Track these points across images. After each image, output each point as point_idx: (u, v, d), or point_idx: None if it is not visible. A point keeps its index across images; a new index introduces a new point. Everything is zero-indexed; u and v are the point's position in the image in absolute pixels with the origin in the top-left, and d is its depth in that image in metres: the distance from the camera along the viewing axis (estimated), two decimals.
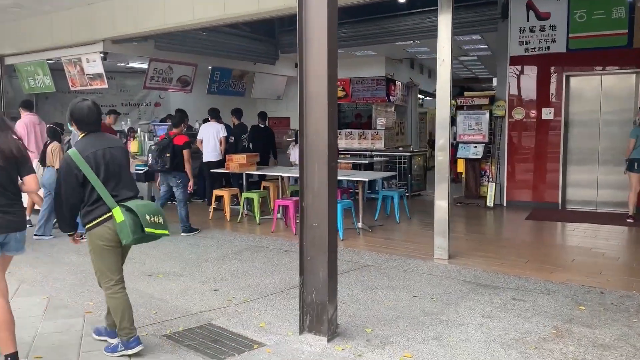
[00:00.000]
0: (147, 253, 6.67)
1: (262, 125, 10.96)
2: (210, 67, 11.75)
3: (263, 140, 10.50)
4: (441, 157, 6.04)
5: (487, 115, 9.35)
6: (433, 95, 20.98)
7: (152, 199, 10.49)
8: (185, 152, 7.65)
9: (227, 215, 8.54)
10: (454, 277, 5.47)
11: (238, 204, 9.25)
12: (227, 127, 10.13)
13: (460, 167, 10.02)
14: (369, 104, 15.20)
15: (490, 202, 9.30)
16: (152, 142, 10.64)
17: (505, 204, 9.43)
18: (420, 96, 18.44)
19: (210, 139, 9.51)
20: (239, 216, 8.51)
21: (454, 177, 13.52)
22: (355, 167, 10.86)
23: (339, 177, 7.37)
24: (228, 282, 5.43)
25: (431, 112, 18.74)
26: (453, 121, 17.15)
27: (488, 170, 9.61)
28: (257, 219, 8.18)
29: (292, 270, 5.77)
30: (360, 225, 7.42)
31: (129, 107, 13.89)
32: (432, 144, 15.00)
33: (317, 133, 3.92)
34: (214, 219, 8.69)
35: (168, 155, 7.42)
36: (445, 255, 6.03)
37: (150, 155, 7.56)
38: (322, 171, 3.90)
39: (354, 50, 12.89)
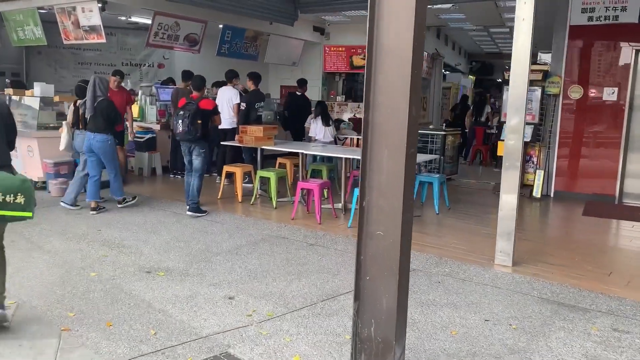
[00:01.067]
0: (146, 240, 5.58)
1: (298, 93, 9.88)
2: (221, 26, 10.49)
3: (300, 110, 9.60)
4: (512, 140, 4.94)
5: (539, 92, 8.17)
6: (456, 70, 19.73)
7: (153, 170, 9.39)
8: (217, 118, 6.94)
9: (239, 195, 7.43)
10: (526, 292, 4.39)
11: (250, 182, 8.15)
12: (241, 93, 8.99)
13: (501, 150, 8.85)
14: None
15: (537, 192, 8.20)
16: (154, 107, 9.48)
17: (552, 195, 8.32)
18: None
19: (225, 105, 8.39)
20: (252, 197, 7.40)
21: (483, 161, 12.40)
22: None
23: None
24: (245, 286, 4.36)
25: (455, 87, 17.52)
26: (481, 104, 15.97)
27: (534, 156, 8.47)
28: (274, 202, 7.07)
29: (322, 273, 4.69)
30: None
31: (129, 67, 12.66)
32: (449, 122, 13.83)
33: (390, 105, 2.78)
34: (223, 199, 7.59)
35: (199, 122, 6.47)
36: (510, 261, 4.96)
37: (180, 122, 6.50)
38: (395, 160, 2.77)
39: None
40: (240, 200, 7.41)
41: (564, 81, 8.13)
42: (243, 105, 8.21)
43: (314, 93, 13.50)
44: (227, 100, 8.47)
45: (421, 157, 6.43)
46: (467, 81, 20.98)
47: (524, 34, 4.77)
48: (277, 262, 4.97)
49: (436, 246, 5.57)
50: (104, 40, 8.50)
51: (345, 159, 6.97)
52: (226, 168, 7.53)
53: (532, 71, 8.12)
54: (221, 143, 7.90)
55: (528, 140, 8.24)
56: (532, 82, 8.24)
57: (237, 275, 4.62)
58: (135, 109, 9.55)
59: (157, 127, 9.38)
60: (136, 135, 9.06)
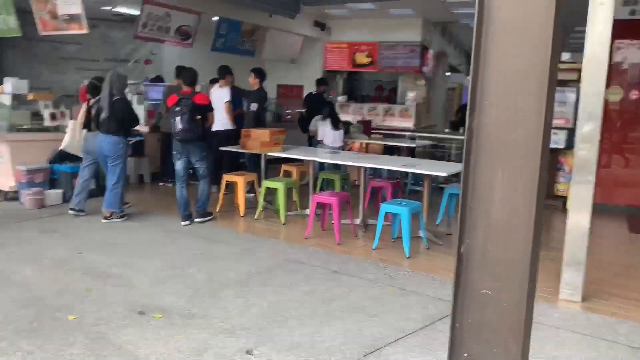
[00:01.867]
0: (137, 266, 4.65)
1: (314, 93, 9.36)
2: (216, 18, 9.55)
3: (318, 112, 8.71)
4: (585, 150, 4.13)
5: (575, 93, 7.38)
6: (455, 70, 18.97)
7: (141, 178, 8.42)
8: (211, 116, 6.12)
9: (241, 208, 6.51)
10: (610, 338, 3.56)
11: (252, 191, 7.24)
12: (237, 91, 8.08)
13: None
14: (394, 75, 13.14)
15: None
16: (141, 106, 8.52)
17: None
18: None
19: (220, 106, 7.49)
20: (256, 211, 6.48)
21: None
22: (390, 151, 8.90)
23: (395, 167, 5.41)
24: (265, 333, 3.47)
25: (460, 87, 16.77)
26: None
27: (565, 164, 7.68)
28: (282, 217, 6.17)
29: (356, 313, 3.81)
30: (427, 234, 5.45)
31: (114, 63, 11.64)
32: (453, 124, 13.07)
33: (510, 106, 1.90)
34: (223, 212, 6.66)
35: (199, 118, 5.74)
36: (579, 296, 4.14)
37: (178, 119, 5.68)
38: (516, 187, 1.89)
39: (389, 8, 10.75)
40: (242, 214, 6.50)
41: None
42: (254, 107, 7.27)
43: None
44: (221, 100, 7.58)
45: (454, 168, 5.57)
46: (468, 82, 20.22)
47: (601, 22, 3.94)
48: (299, 297, 4.08)
49: None
50: (85, 31, 7.51)
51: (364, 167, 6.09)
52: (226, 177, 6.61)
53: (565, 70, 7.35)
54: (220, 148, 6.97)
55: (562, 146, 7.45)
56: (565, 83, 7.47)
57: (253, 316, 3.72)
58: None
59: (145, 129, 8.42)
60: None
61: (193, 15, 8.99)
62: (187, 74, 6.09)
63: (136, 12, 8.49)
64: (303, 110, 9.57)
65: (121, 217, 6.12)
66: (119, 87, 5.97)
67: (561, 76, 7.40)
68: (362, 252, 5.25)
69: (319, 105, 8.82)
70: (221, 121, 7.46)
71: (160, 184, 8.29)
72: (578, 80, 7.35)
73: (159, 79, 9.61)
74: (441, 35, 14.16)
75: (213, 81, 8.68)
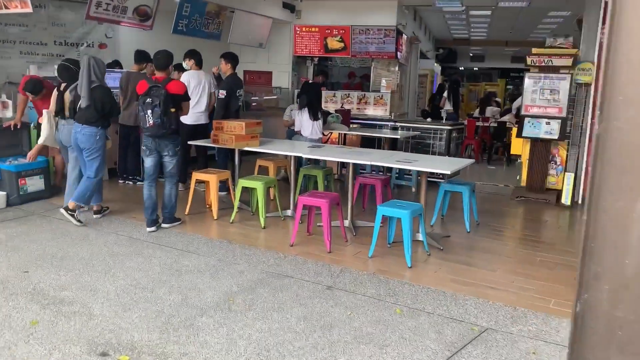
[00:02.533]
0: (96, 287, 3.92)
1: (311, 82, 8.49)
2: None
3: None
4: None
5: (568, 81, 6.93)
6: (426, 57, 18.53)
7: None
8: (186, 106, 5.40)
9: (214, 210, 5.80)
10: None
11: (224, 189, 6.55)
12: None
13: (517, 148, 7.61)
14: (366, 61, 12.53)
15: (566, 199, 6.99)
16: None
17: (580, 201, 7.14)
18: None
19: (199, 94, 6.75)
20: (232, 213, 5.78)
21: (475, 157, 11.24)
22: (370, 143, 8.32)
23: (393, 164, 4.83)
24: None
25: (432, 74, 16.33)
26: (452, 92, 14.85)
27: (558, 155, 7.26)
28: (262, 221, 5.50)
29: (363, 343, 3.20)
30: (426, 238, 4.89)
31: (64, 47, 10.60)
32: (425, 113, 12.63)
33: None
34: (193, 214, 5.95)
35: (174, 110, 5.02)
36: None
37: (149, 112, 4.95)
38: None
39: None
40: (215, 217, 5.80)
41: (597, 68, 6.93)
42: (222, 93, 6.52)
43: (282, 80, 11.91)
44: (203, 88, 6.80)
45: (457, 164, 5.00)
46: (437, 69, 19.85)
47: None
48: (293, 324, 3.45)
49: (496, 286, 4.19)
50: (29, 10, 6.59)
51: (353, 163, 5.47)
52: (197, 175, 5.87)
53: (560, 55, 6.91)
54: (188, 143, 6.23)
55: (555, 137, 7.02)
56: (558, 69, 7.02)
57: (241, 354, 3.07)
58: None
59: None
60: None
61: None
62: (159, 57, 5.33)
63: None
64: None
65: (97, 213, 5.72)
66: (98, 73, 5.41)
67: (557, 62, 6.95)
68: (357, 261, 4.65)
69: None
70: (200, 113, 6.73)
71: (120, 181, 7.46)
72: (573, 67, 6.94)
73: (116, 65, 8.71)
74: (413, 20, 13.64)
75: (178, 67, 7.88)
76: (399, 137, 7.47)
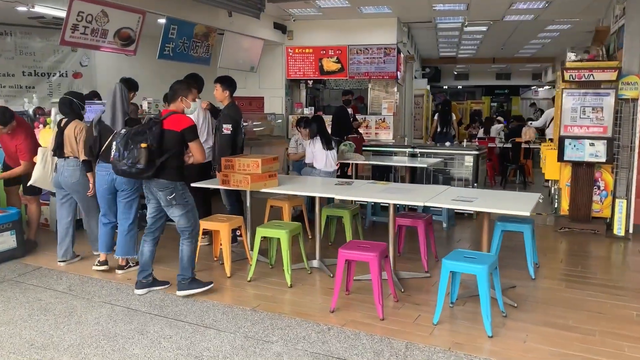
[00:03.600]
0: None
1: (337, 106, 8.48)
2: (162, 21, 7.81)
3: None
4: None
5: (613, 97, 6.21)
6: (414, 77, 17.91)
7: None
8: (196, 148, 4.30)
9: (227, 267, 4.82)
10: None
11: (234, 239, 5.58)
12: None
13: (553, 172, 6.83)
14: (363, 82, 11.76)
15: (619, 230, 6.20)
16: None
17: (631, 230, 6.36)
18: None
19: (206, 128, 5.86)
20: (249, 270, 4.80)
21: (490, 180, 10.48)
22: (381, 171, 7.47)
23: (447, 205, 3.97)
24: None
25: (427, 94, 15.68)
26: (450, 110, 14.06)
27: (600, 179, 6.50)
28: (288, 278, 4.54)
29: None
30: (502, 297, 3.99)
31: (33, 78, 9.57)
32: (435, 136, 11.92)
33: None
34: (200, 271, 4.94)
35: (144, 146, 4.00)
36: None
37: (121, 145, 4.07)
38: None
39: (361, 5, 9.35)
40: (229, 275, 4.81)
41: None
42: (227, 129, 5.53)
43: (275, 105, 11.02)
44: (208, 121, 5.90)
45: (530, 201, 4.12)
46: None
47: None
48: None
49: (607, 358, 3.29)
50: None
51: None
52: (206, 224, 4.89)
53: (602, 69, 6.19)
54: (191, 185, 5.26)
55: (603, 160, 6.26)
56: (600, 84, 6.30)
57: None
58: (46, 134, 6.65)
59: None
60: None
61: (136, 15, 7.22)
62: (171, 87, 4.41)
63: (60, 14, 6.66)
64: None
65: (136, 263, 4.84)
66: (126, 103, 4.89)
67: (599, 76, 6.22)
68: (421, 331, 3.70)
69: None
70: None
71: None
72: (615, 81, 6.22)
73: (94, 96, 7.72)
74: (407, 38, 12.97)
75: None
76: (426, 165, 6.60)
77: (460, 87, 24.65)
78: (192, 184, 5.12)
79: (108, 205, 4.95)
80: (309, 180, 5.55)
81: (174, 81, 4.54)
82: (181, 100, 4.29)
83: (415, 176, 7.27)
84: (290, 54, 10.80)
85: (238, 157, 4.91)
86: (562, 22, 11.89)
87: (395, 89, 11.27)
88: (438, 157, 7.14)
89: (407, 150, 7.44)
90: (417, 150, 7.36)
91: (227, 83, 5.80)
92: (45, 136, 6.49)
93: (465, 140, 10.78)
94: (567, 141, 6.39)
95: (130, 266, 4.98)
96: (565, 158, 6.35)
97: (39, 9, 7.07)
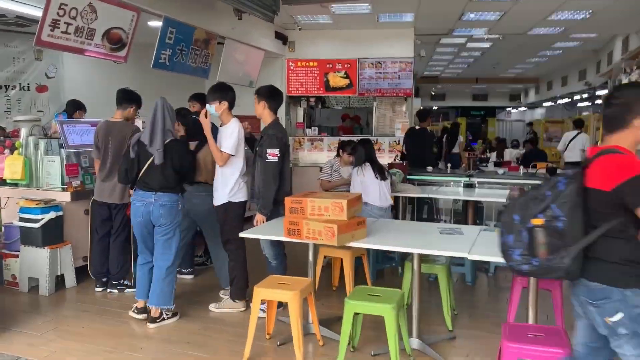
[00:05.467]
0: None
1: (417, 127, 7.81)
2: (157, 23, 6.39)
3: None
4: None
5: None
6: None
7: (61, 281, 4.96)
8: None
9: (299, 350, 3.40)
10: None
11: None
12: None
13: None
14: (367, 100, 10.59)
15: None
16: (51, 158, 5.13)
17: None
18: None
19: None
20: (339, 356, 3.40)
21: None
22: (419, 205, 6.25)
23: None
24: None
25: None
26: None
27: None
28: None
29: None
30: None
31: None
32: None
33: None
34: (257, 354, 3.50)
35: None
36: None
37: None
38: None
39: (380, 13, 8.21)
40: (268, 337, 3.40)
41: None
42: (273, 154, 4.15)
43: None
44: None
45: None
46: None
47: None
48: None
49: None
50: None
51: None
52: (268, 293, 3.45)
53: None
54: (240, 235, 3.82)
55: None
56: None
57: None
58: (16, 163, 5.06)
59: (64, 197, 4.94)
60: (21, 214, 4.66)
61: (129, 12, 5.79)
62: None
63: (29, 10, 5.22)
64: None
65: (174, 315, 4.16)
66: (171, 121, 4.11)
67: None
68: None
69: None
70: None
71: (98, 288, 4.85)
72: None
73: (75, 110, 6.19)
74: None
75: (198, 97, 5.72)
76: (502, 200, 5.39)
77: (436, 107, 23.95)
78: (244, 234, 3.70)
79: (145, 242, 4.14)
80: (393, 225, 4.18)
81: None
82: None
83: (480, 212, 6.08)
84: (292, 67, 9.52)
85: (307, 195, 3.54)
86: (575, 40, 11.18)
87: (404, 108, 10.15)
88: (501, 188, 5.97)
89: (462, 179, 6.22)
90: (475, 180, 6.16)
91: (269, 95, 4.43)
92: (14, 165, 4.91)
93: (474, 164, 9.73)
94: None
95: (164, 318, 4.08)
96: None
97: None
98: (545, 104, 20.91)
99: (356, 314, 3.29)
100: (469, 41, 11.93)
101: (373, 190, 5.04)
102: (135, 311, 4.20)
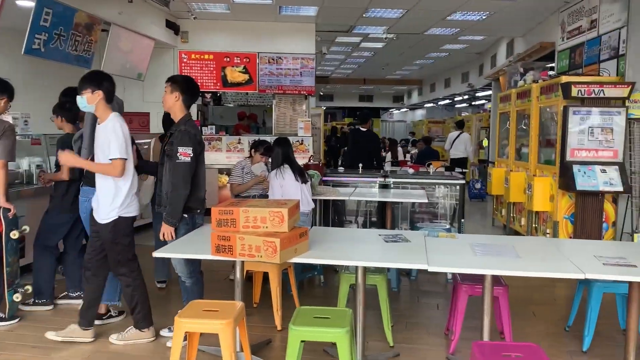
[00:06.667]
0: None
1: (363, 129, 7.63)
2: (29, 3, 5.41)
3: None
4: None
5: (624, 116, 5.45)
6: None
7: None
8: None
9: None
10: None
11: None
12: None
13: (543, 203, 5.92)
14: (266, 98, 10.11)
15: None
16: None
17: None
18: None
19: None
20: None
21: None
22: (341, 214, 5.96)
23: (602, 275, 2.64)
24: None
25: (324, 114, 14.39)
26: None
27: (602, 210, 5.70)
28: None
29: None
30: None
31: None
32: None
33: None
34: None
35: None
36: None
37: None
38: None
39: (283, 5, 7.77)
40: None
41: None
42: (185, 153, 3.45)
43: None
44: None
45: None
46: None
47: None
48: None
49: None
50: None
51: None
52: (193, 325, 2.83)
53: (612, 84, 5.41)
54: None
55: (620, 189, 5.43)
56: (608, 101, 5.51)
57: None
58: None
59: None
60: None
61: None
62: None
63: None
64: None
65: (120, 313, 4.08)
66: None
67: (609, 92, 5.42)
68: None
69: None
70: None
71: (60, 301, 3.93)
72: (627, 99, 5.49)
73: None
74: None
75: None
76: (425, 200, 5.19)
77: (324, 107, 24.00)
78: (156, 254, 3.05)
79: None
80: (328, 233, 3.72)
81: None
82: None
83: (384, 213, 5.83)
84: (185, 60, 8.76)
85: (238, 204, 2.98)
86: (462, 42, 11.57)
87: (304, 107, 9.81)
88: (417, 188, 5.80)
89: (377, 180, 5.96)
90: (391, 180, 5.93)
91: (186, 88, 3.77)
92: None
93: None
94: (575, 167, 5.47)
95: (111, 316, 4.01)
96: (579, 188, 5.41)
97: None
98: (426, 105, 21.80)
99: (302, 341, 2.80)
100: (363, 40, 11.89)
101: (294, 194, 4.58)
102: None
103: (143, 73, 7.99)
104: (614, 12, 6.18)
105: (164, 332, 3.72)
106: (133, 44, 7.48)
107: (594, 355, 3.52)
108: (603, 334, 3.75)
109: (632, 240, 5.50)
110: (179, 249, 3.22)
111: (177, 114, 3.71)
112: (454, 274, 3.76)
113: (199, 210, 3.67)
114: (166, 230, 3.49)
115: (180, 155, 3.50)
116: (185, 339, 2.90)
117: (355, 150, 7.77)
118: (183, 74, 8.77)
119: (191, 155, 3.52)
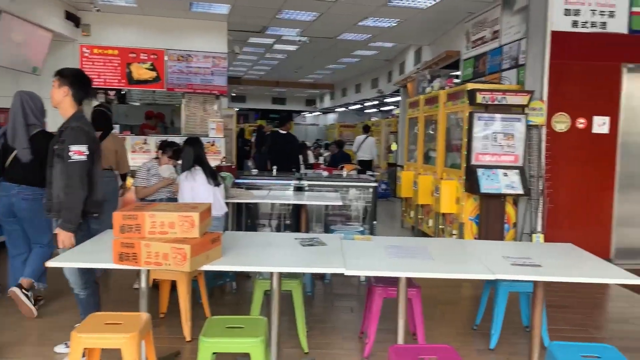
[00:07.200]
0: None
1: (283, 132, 7.65)
2: None
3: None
4: None
5: (524, 122, 5.75)
6: None
7: None
8: None
9: None
10: None
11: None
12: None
13: (449, 204, 6.12)
14: (174, 97, 9.73)
15: None
16: None
17: None
18: None
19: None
20: None
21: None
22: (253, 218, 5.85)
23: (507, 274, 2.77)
24: None
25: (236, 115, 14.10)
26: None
27: (504, 212, 5.99)
28: None
29: None
30: None
31: None
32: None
33: None
34: None
35: None
36: None
37: None
38: None
39: (194, 1, 7.51)
40: None
41: (548, 107, 5.91)
42: (79, 152, 3.18)
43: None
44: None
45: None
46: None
47: None
48: None
49: None
50: None
51: None
52: (93, 341, 2.58)
53: (514, 92, 5.72)
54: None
55: (520, 191, 5.71)
56: (510, 108, 5.80)
57: None
58: None
59: None
60: None
61: None
62: None
63: None
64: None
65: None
66: (37, 114, 3.99)
67: (512, 99, 5.70)
68: None
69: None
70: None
71: None
72: (526, 106, 5.80)
73: None
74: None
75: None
76: (340, 202, 5.16)
77: (237, 109, 23.67)
78: (47, 264, 2.77)
79: (14, 233, 4.15)
80: (242, 238, 3.56)
81: None
82: None
83: (299, 216, 5.77)
84: (87, 54, 8.22)
85: (143, 208, 2.78)
86: (373, 48, 11.82)
87: (216, 107, 9.55)
88: (330, 191, 5.80)
89: (292, 182, 5.88)
90: (305, 183, 5.87)
91: (76, 82, 3.47)
92: None
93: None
94: (480, 171, 5.70)
95: (27, 293, 4.00)
96: (483, 190, 5.63)
97: None
98: (338, 109, 22.12)
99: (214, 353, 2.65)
100: (276, 42, 11.82)
101: (206, 197, 4.39)
102: None
103: (39, 67, 7.39)
104: (514, 24, 6.54)
105: (59, 349, 3.41)
106: (27, 35, 6.90)
107: (501, 352, 3.65)
108: (508, 332, 3.90)
109: (531, 240, 5.82)
110: (76, 258, 2.95)
111: (67, 111, 3.41)
112: (368, 277, 3.75)
113: (95, 215, 3.40)
114: (65, 237, 3.19)
115: (74, 154, 3.22)
116: (83, 356, 2.64)
117: (273, 153, 7.67)
118: (84, 69, 8.24)
119: (86, 153, 3.25)
